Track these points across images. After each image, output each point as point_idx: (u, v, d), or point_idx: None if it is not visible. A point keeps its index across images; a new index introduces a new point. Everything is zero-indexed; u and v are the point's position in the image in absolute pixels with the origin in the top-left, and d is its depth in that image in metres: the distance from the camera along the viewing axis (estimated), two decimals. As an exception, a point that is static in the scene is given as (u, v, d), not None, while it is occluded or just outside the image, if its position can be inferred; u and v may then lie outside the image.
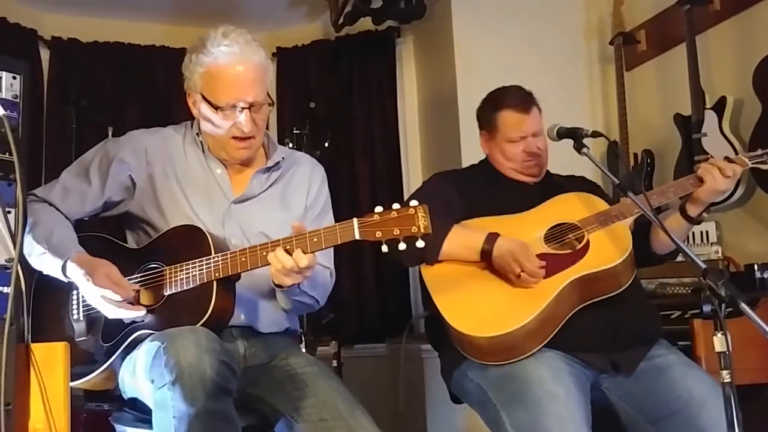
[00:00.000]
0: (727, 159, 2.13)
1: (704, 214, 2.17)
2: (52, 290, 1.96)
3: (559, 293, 1.95)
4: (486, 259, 2.07)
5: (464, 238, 2.11)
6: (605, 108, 3.86)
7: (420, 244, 1.66)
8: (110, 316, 1.85)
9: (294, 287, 1.84)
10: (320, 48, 4.49)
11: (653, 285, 2.74)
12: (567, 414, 1.79)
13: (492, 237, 2.06)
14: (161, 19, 4.40)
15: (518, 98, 2.31)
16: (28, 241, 1.86)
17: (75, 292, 1.96)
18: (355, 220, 1.70)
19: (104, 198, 2.02)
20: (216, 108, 1.93)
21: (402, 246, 1.67)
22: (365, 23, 4.19)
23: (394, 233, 1.66)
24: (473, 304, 2.01)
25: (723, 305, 1.51)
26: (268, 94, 1.99)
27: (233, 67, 1.92)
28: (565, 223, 2.14)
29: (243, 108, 1.93)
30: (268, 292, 1.99)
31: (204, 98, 1.96)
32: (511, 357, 1.93)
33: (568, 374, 1.90)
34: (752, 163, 2.13)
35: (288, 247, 1.74)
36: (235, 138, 1.97)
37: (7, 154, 1.36)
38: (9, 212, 1.34)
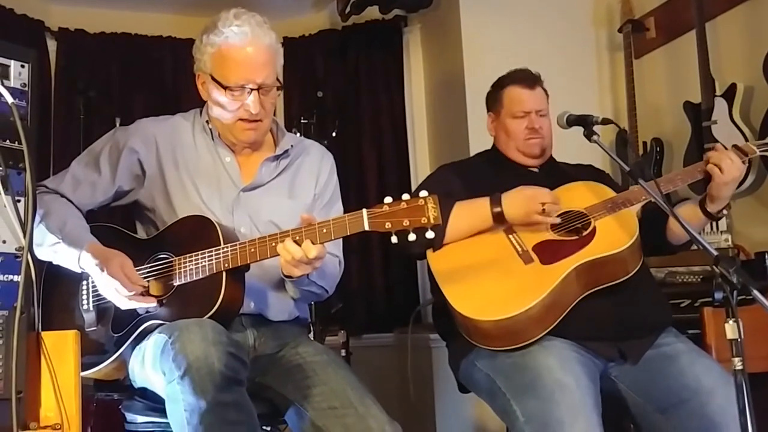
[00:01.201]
0: (735, 147, 2.11)
1: (724, 211, 2.16)
2: (62, 280, 1.97)
3: (564, 278, 1.94)
4: (501, 222, 2.08)
5: (469, 210, 2.12)
6: (614, 96, 3.84)
7: (430, 234, 1.66)
8: (122, 307, 1.86)
9: (303, 278, 1.84)
10: (327, 37, 4.47)
11: (662, 273, 2.73)
12: (578, 403, 1.78)
13: (496, 198, 2.09)
14: (168, 9, 4.40)
15: (524, 75, 2.36)
16: (41, 230, 1.87)
17: (85, 282, 1.97)
18: (364, 211, 1.70)
19: (115, 187, 2.03)
20: (225, 88, 1.93)
21: (412, 237, 1.66)
22: (372, 12, 4.17)
23: (404, 224, 1.66)
24: (479, 288, 2.01)
25: (735, 292, 1.49)
26: (277, 78, 1.99)
27: (243, 47, 1.92)
28: (572, 211, 2.13)
29: (252, 89, 1.93)
30: (278, 281, 1.99)
31: (213, 79, 1.96)
32: (517, 342, 1.93)
33: (578, 363, 1.90)
34: (761, 151, 2.12)
35: (297, 238, 1.74)
36: (242, 120, 1.97)
37: (16, 142, 1.36)
38: (18, 201, 1.34)
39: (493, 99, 2.41)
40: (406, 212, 1.66)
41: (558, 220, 2.08)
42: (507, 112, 2.34)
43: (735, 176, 2.06)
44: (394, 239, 1.68)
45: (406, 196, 1.69)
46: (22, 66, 1.39)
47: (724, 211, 2.17)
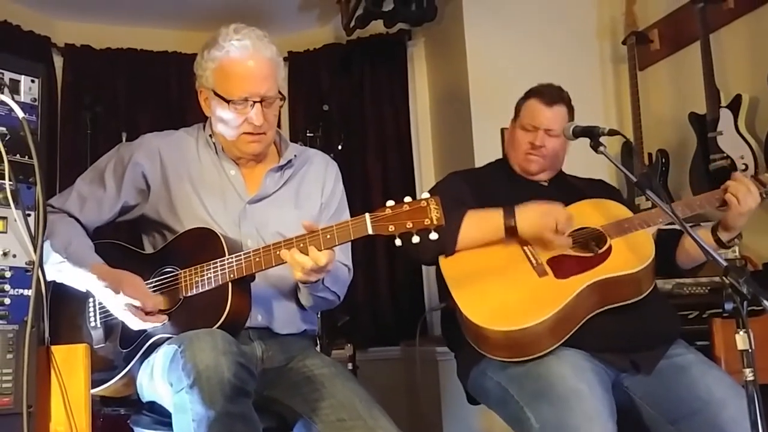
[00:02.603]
0: (754, 177, 2.12)
1: (736, 240, 2.17)
2: (67, 299, 1.97)
3: (578, 294, 1.93)
4: (512, 235, 2.07)
5: (481, 219, 2.11)
6: (618, 108, 3.84)
7: (434, 236, 1.66)
8: (135, 328, 1.86)
9: (318, 283, 1.85)
10: (332, 52, 4.50)
11: (670, 285, 2.72)
12: (593, 410, 1.77)
13: (509, 210, 2.07)
14: (174, 25, 4.42)
15: (547, 91, 2.34)
16: (45, 249, 1.86)
17: (91, 299, 1.97)
18: (367, 215, 1.70)
19: (120, 202, 2.03)
20: (228, 102, 1.94)
21: (416, 239, 1.66)
22: (376, 26, 4.19)
23: (407, 226, 1.66)
24: (491, 297, 2.00)
25: (745, 303, 1.49)
26: (279, 91, 2.00)
27: (245, 61, 1.93)
28: (588, 228, 2.13)
29: (254, 102, 1.94)
30: (284, 294, 1.99)
31: (216, 94, 1.96)
32: (525, 354, 1.92)
33: (591, 372, 1.89)
34: None
35: (301, 245, 1.74)
36: (246, 133, 1.98)
37: (27, 157, 1.36)
38: (29, 215, 1.34)
39: (517, 107, 2.41)
40: (409, 214, 1.66)
41: (570, 242, 2.06)
42: (519, 122, 2.35)
43: (751, 207, 2.06)
44: (398, 242, 1.68)
45: (408, 199, 1.69)
46: (32, 81, 1.40)
47: (736, 240, 2.17)
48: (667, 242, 2.19)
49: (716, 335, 2.25)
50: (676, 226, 1.97)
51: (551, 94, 2.33)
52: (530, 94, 2.36)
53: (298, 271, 1.75)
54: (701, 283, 2.74)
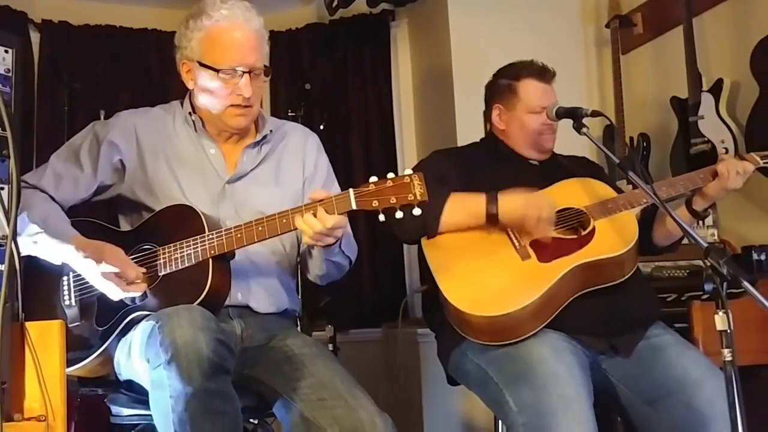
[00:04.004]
0: (738, 156, 2.13)
1: (709, 210, 2.17)
2: (40, 276, 1.93)
3: (562, 277, 1.93)
4: (493, 223, 2.04)
5: (464, 203, 2.08)
6: (601, 91, 3.84)
7: (417, 211, 1.66)
8: (115, 298, 1.83)
9: (334, 247, 1.84)
10: (314, 31, 4.45)
11: (649, 268, 2.73)
12: (571, 392, 1.78)
13: (492, 197, 2.04)
14: (153, 2, 4.34)
15: (541, 69, 2.29)
16: (21, 221, 1.83)
17: (66, 277, 1.93)
18: (351, 190, 1.70)
19: (97, 182, 2.00)
20: (217, 71, 1.91)
21: (399, 214, 1.67)
22: (359, 6, 4.14)
23: (391, 201, 1.66)
24: (474, 281, 1.99)
25: (725, 284, 1.49)
26: (265, 65, 1.97)
27: (233, 30, 1.91)
28: (571, 209, 2.12)
29: (243, 73, 1.91)
30: (265, 272, 1.98)
31: (202, 65, 1.93)
32: (509, 338, 1.92)
33: (570, 353, 1.89)
34: (764, 162, 2.13)
35: (285, 220, 1.74)
36: (233, 105, 1.95)
37: (0, 129, 1.33)
38: (2, 188, 1.31)
39: (504, 90, 2.31)
40: (393, 190, 1.66)
41: (551, 231, 2.03)
42: (524, 107, 2.26)
43: (739, 185, 2.08)
44: (381, 217, 1.68)
45: (391, 175, 1.69)
46: (6, 51, 1.37)
47: (710, 210, 2.18)
48: (644, 221, 2.19)
49: (694, 317, 2.27)
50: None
51: (546, 72, 2.28)
52: (520, 74, 2.28)
53: (309, 236, 1.74)
54: (680, 266, 2.76)
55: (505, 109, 2.31)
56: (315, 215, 1.71)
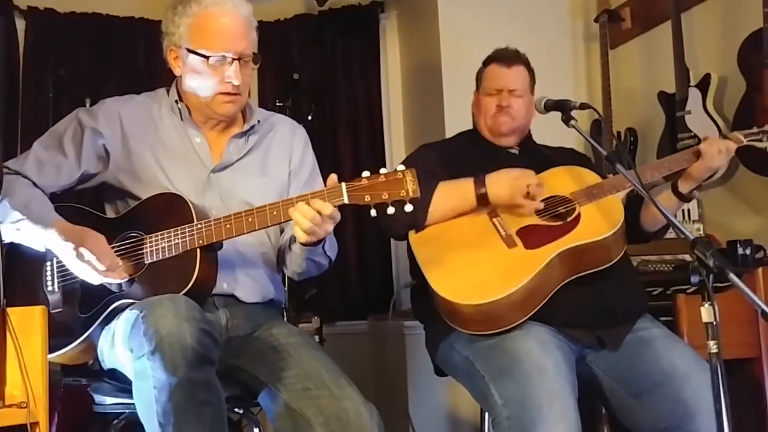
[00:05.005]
0: (722, 136, 2.13)
1: (695, 192, 2.17)
2: (22, 262, 1.91)
3: (548, 264, 1.93)
4: (484, 204, 2.06)
5: (452, 190, 2.10)
6: (589, 85, 3.84)
7: (408, 208, 1.66)
8: (94, 283, 1.81)
9: (318, 246, 1.83)
10: (303, 22, 4.41)
11: (635, 262, 2.73)
12: (556, 387, 1.79)
13: (480, 179, 2.07)
14: (140, -10, 4.31)
15: (503, 53, 2.35)
16: (3, 207, 1.81)
17: (48, 263, 1.91)
18: (343, 183, 1.70)
19: (81, 171, 1.97)
20: (206, 58, 1.89)
21: (391, 210, 1.66)
22: (349, -3, 4.14)
23: (383, 197, 1.66)
24: (461, 271, 1.99)
25: (711, 276, 1.49)
26: (254, 52, 1.95)
27: (223, 16, 1.90)
28: (557, 196, 2.12)
29: (232, 60, 1.89)
30: (251, 262, 1.96)
31: (191, 51, 1.91)
32: (497, 327, 1.92)
33: (556, 347, 1.90)
34: (747, 141, 2.13)
35: (275, 212, 1.72)
36: (222, 93, 1.93)
37: (-18, 111, 1.31)
38: (-16, 172, 1.29)
39: (477, 76, 2.40)
40: (385, 185, 1.66)
41: (541, 205, 2.06)
42: (483, 89, 2.34)
43: (722, 163, 2.09)
44: (373, 212, 1.68)
45: (384, 170, 1.68)
46: (-10, 33, 1.34)
47: (696, 192, 2.18)
48: (631, 206, 2.19)
49: (680, 311, 2.29)
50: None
51: (508, 56, 2.33)
52: (488, 60, 2.37)
53: (304, 228, 1.71)
54: (666, 261, 2.76)
55: (476, 94, 2.39)
56: (308, 204, 1.69)
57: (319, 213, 1.69)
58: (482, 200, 2.07)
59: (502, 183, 2.06)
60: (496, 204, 2.08)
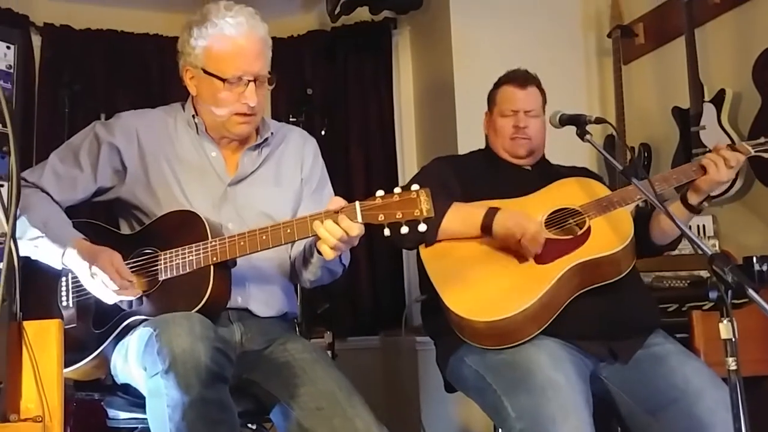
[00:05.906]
0: (730, 147, 2.11)
1: (705, 203, 2.15)
2: (38, 276, 1.91)
3: (559, 278, 1.93)
4: (487, 234, 2.06)
5: (464, 214, 2.10)
6: (602, 101, 3.84)
7: (422, 227, 1.65)
8: (108, 302, 1.81)
9: (336, 258, 1.81)
10: (316, 38, 4.45)
11: (650, 278, 2.72)
12: (569, 400, 1.77)
13: (492, 211, 2.06)
14: (155, 6, 4.35)
15: (517, 75, 2.36)
16: (21, 224, 1.81)
17: (64, 279, 1.92)
18: (357, 203, 1.68)
19: (96, 185, 1.98)
20: (223, 81, 1.89)
21: (404, 230, 1.65)
22: (361, 13, 4.15)
23: (397, 216, 1.64)
24: (472, 287, 1.99)
25: (730, 291, 1.48)
26: (269, 72, 1.96)
27: (239, 38, 1.89)
28: (567, 209, 2.12)
29: (249, 81, 1.89)
30: (265, 276, 1.96)
31: (207, 72, 1.91)
32: (509, 342, 1.91)
33: (569, 362, 1.88)
34: (755, 151, 2.12)
35: (289, 230, 1.72)
36: (237, 114, 1.93)
37: (0, 125, 1.31)
38: (1, 185, 1.30)
39: (490, 98, 2.41)
40: (399, 205, 1.65)
41: (537, 249, 2.02)
42: (498, 111, 2.35)
43: (730, 176, 2.07)
44: (386, 232, 1.66)
45: (398, 189, 1.67)
46: (8, 47, 1.35)
47: (705, 204, 2.16)
48: (640, 220, 2.18)
49: (696, 327, 2.26)
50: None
51: (522, 77, 2.34)
52: (501, 82, 2.38)
53: (330, 245, 1.70)
54: (681, 277, 2.74)
55: (489, 114, 2.40)
56: (336, 222, 1.69)
57: (347, 234, 1.68)
58: (485, 231, 2.06)
59: (505, 225, 2.02)
60: (495, 238, 2.05)
